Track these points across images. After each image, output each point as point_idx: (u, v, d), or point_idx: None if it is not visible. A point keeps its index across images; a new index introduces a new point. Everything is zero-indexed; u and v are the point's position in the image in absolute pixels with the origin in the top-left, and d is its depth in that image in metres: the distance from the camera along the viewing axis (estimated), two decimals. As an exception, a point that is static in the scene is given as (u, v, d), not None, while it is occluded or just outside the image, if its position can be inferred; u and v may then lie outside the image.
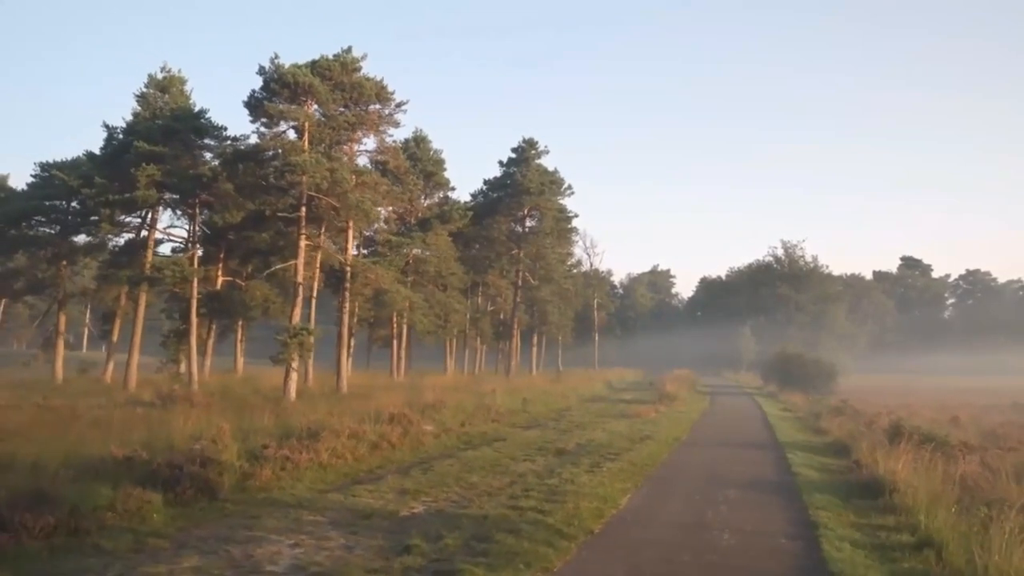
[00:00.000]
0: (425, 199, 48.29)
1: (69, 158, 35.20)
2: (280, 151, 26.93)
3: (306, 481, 10.73)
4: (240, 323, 41.31)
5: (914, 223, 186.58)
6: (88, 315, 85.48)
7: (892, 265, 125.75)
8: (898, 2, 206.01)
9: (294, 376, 27.34)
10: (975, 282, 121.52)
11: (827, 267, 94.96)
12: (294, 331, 26.69)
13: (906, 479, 10.38)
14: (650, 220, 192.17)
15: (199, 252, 33.88)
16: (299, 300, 28.52)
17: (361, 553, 7.02)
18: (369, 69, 29.97)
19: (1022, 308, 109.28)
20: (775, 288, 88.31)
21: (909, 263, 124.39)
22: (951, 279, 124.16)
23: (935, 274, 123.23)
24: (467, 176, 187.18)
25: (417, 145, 47.67)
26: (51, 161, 35.26)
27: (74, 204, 34.76)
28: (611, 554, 7.34)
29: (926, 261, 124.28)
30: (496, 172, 54.86)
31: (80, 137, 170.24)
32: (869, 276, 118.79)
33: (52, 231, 35.71)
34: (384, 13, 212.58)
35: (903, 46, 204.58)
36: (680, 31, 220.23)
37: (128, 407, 21.44)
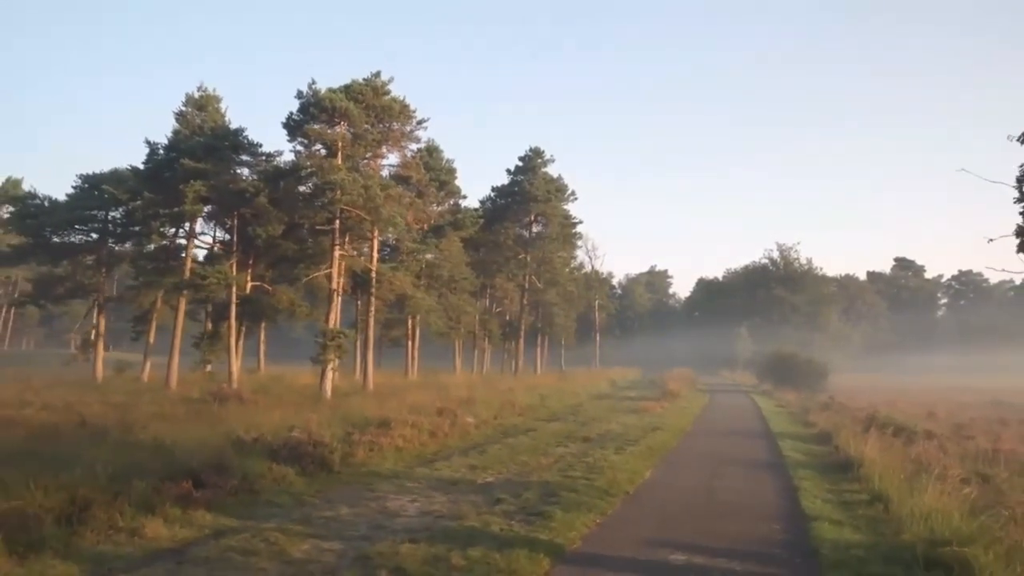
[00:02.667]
0: (437, 206, 50.83)
1: (107, 169, 37.77)
2: (319, 169, 29.37)
3: (390, 460, 13.32)
4: (262, 326, 43.89)
5: (907, 224, 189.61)
6: (96, 317, 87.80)
7: (886, 266, 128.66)
8: (894, 1, 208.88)
9: (330, 375, 29.87)
10: (967, 283, 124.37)
11: (821, 269, 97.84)
12: (333, 334, 29.23)
13: (871, 457, 12.99)
14: (647, 220, 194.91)
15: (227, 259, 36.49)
16: (334, 305, 31.06)
17: (465, 504, 9.63)
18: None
19: (1012, 309, 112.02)
20: (771, 289, 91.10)
21: (902, 264, 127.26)
22: (944, 280, 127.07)
23: (928, 275, 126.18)
24: (460, 171, 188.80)
25: (430, 155, 50.06)
26: (92, 173, 37.76)
27: (113, 214, 37.32)
28: (645, 505, 9.99)
29: (919, 262, 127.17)
30: (500, 178, 57.49)
31: (84, 137, 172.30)
32: (863, 277, 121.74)
33: (89, 239, 38.18)
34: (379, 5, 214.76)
35: (898, 44, 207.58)
36: (678, 32, 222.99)
37: (187, 404, 23.77)
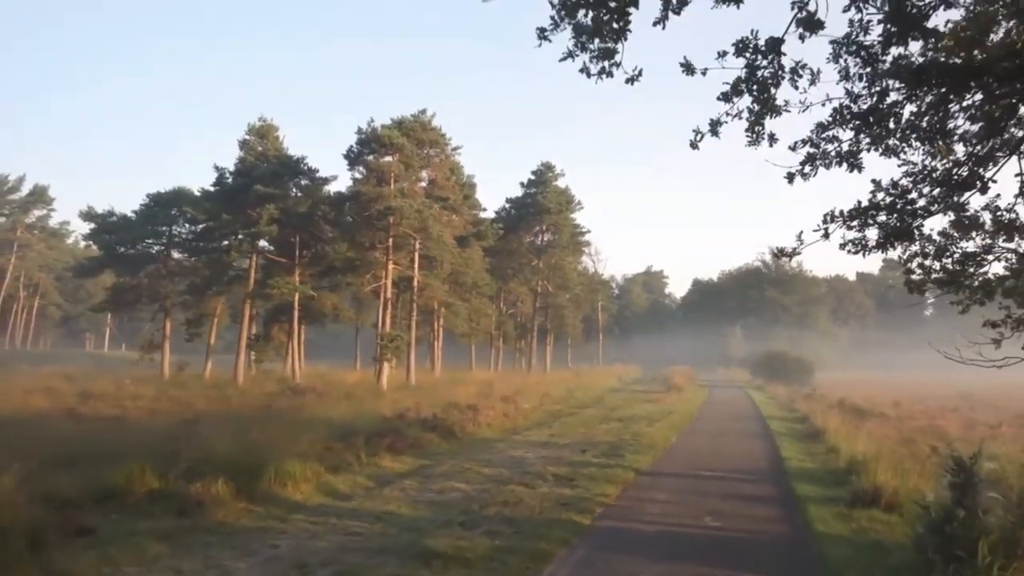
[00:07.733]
0: (459, 217, 55.83)
1: (168, 188, 42.49)
2: (379, 197, 34.37)
3: (488, 431, 18.45)
4: (301, 328, 48.86)
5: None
6: (109, 319, 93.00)
7: (874, 267, 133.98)
8: None
9: (386, 371, 35.01)
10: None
11: (811, 271, 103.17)
12: (390, 337, 34.40)
13: (833, 428, 18.23)
14: (643, 220, 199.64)
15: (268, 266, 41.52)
16: (388, 312, 36.22)
17: (563, 453, 14.81)
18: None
19: (998, 309, 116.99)
20: (763, 291, 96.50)
21: (890, 264, 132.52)
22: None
23: (915, 276, 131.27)
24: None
25: (452, 172, 55.20)
26: (158, 192, 42.50)
27: (179, 230, 42.34)
28: (679, 453, 15.26)
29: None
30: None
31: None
32: (852, 277, 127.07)
33: (151, 251, 43.05)
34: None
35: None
36: (674, 31, 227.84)
37: (271, 396, 28.32)
